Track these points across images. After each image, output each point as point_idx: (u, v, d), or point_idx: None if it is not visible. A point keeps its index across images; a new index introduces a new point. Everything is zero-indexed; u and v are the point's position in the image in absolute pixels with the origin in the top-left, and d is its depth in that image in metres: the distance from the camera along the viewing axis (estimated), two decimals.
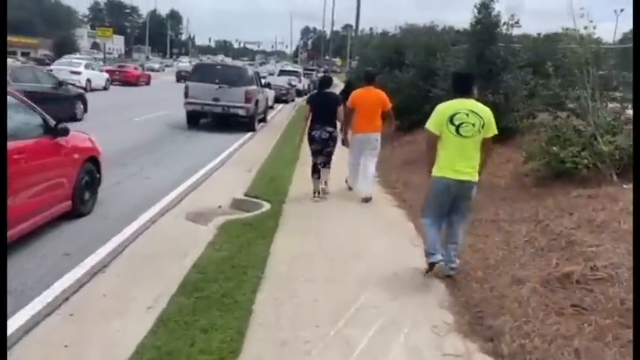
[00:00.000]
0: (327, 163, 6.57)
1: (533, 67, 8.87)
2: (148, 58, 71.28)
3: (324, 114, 6.45)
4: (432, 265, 4.04)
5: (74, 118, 12.62)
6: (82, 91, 15.46)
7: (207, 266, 4.16)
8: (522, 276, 3.96)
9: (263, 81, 17.54)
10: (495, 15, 8.54)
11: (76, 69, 22.16)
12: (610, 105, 6.58)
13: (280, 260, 4.41)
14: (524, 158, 6.15)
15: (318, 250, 4.71)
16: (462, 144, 3.92)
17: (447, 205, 4.06)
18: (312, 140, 6.52)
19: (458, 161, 3.93)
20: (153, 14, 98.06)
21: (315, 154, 6.57)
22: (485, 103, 8.42)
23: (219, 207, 6.26)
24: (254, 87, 14.06)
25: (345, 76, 28.64)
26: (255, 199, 6.52)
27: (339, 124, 6.64)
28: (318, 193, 6.56)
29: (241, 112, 13.30)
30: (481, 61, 8.48)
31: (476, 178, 4.02)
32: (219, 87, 13.14)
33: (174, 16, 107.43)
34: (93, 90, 21.59)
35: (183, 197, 6.68)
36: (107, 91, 23.96)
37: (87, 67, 23.23)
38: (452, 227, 4.18)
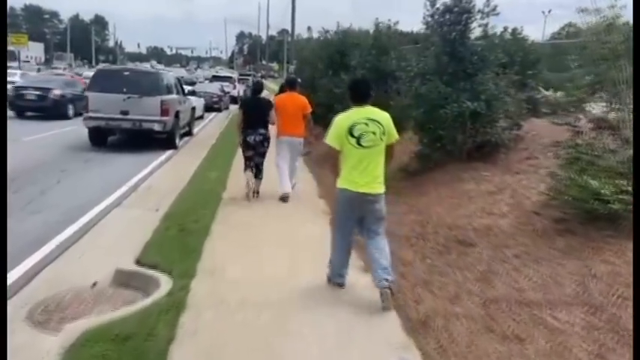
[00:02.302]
0: (260, 165, 6.79)
1: (505, 66, 7.22)
2: (70, 65, 65.95)
3: (257, 118, 6.66)
4: (340, 285, 3.77)
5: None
6: None
7: None
8: None
9: (187, 88, 15.19)
10: (468, 0, 6.74)
11: (12, 78, 23.45)
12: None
13: None
14: (548, 196, 4.29)
15: None
16: (365, 155, 3.73)
17: (354, 220, 3.86)
18: (247, 146, 6.71)
19: (361, 173, 3.73)
20: (75, 19, 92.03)
21: (249, 158, 6.75)
22: (463, 112, 6.80)
23: (92, 287, 4.05)
24: (173, 96, 11.67)
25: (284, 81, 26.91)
26: (150, 271, 4.29)
27: (271, 127, 6.85)
28: (254, 193, 6.73)
29: (157, 126, 10.85)
30: (454, 59, 6.65)
31: (381, 189, 3.80)
32: (128, 97, 10.66)
33: (99, 21, 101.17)
34: None
35: (42, 269, 4.38)
36: None
37: (22, 76, 24.89)
38: (369, 248, 3.84)
